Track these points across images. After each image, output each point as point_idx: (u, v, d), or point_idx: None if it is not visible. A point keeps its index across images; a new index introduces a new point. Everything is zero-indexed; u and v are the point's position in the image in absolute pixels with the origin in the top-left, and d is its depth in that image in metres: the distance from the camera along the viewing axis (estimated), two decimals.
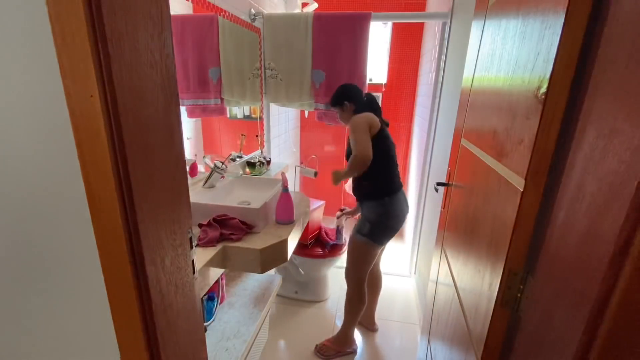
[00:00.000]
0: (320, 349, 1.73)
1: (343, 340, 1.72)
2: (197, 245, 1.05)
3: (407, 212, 1.62)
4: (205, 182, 1.44)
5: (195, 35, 1.50)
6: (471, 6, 1.25)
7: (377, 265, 1.82)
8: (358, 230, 1.57)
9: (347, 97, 1.58)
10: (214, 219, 1.15)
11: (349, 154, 1.54)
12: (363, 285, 1.64)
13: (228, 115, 1.81)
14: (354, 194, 1.65)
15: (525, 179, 0.56)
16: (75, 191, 0.50)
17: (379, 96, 2.91)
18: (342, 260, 1.95)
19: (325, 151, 3.23)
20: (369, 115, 1.49)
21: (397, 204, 1.55)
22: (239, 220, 1.17)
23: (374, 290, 1.85)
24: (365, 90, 1.94)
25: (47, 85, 0.46)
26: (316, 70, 1.95)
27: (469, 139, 0.99)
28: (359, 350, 1.78)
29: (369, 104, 1.60)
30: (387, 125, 1.60)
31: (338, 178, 1.51)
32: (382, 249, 1.74)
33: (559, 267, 0.50)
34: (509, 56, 0.69)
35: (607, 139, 0.42)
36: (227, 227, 1.15)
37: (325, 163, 3.03)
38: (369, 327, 1.92)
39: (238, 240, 1.12)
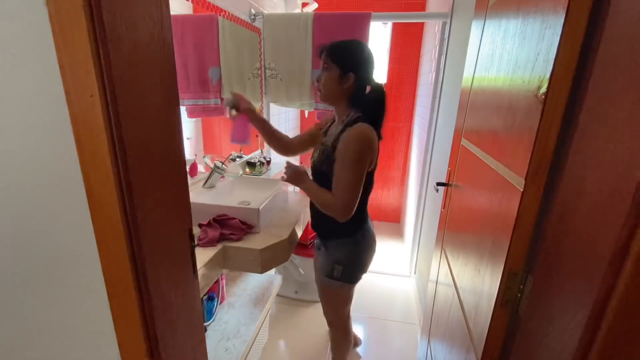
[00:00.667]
0: None
1: None
2: (197, 245, 1.05)
3: (375, 238, 1.29)
4: (205, 182, 1.44)
5: (195, 35, 1.50)
6: (471, 6, 1.25)
7: None
8: (327, 275, 1.22)
9: (360, 66, 1.07)
10: (214, 219, 1.16)
11: (321, 170, 1.11)
12: (348, 322, 1.44)
13: (228, 116, 1.81)
14: (314, 228, 1.27)
15: (525, 179, 0.56)
16: (75, 191, 0.50)
17: None
18: None
19: None
20: (376, 140, 1.06)
21: (368, 237, 1.23)
22: (239, 220, 1.17)
23: None
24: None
25: (47, 85, 0.46)
26: (316, 70, 1.94)
27: (469, 139, 0.99)
28: (359, 350, 1.78)
29: (378, 100, 1.10)
30: (381, 139, 1.13)
31: (298, 182, 1.14)
32: None
33: (559, 267, 0.50)
34: (509, 56, 0.69)
35: (607, 139, 0.42)
36: (227, 227, 1.15)
37: None
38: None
39: (238, 240, 1.12)
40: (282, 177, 1.17)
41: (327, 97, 1.12)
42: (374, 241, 1.27)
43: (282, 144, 1.34)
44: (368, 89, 1.11)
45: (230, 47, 1.64)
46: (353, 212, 1.04)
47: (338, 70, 1.06)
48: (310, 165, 1.21)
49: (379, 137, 1.09)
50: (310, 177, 1.17)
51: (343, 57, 1.06)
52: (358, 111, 1.08)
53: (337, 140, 1.06)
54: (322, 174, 1.11)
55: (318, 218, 1.20)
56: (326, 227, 1.21)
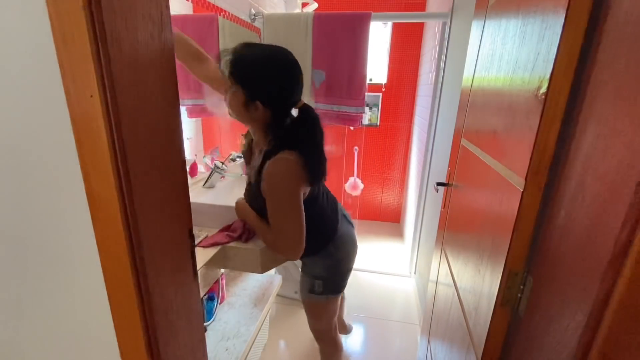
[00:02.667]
0: None
1: None
2: (198, 245, 1.05)
3: (355, 239, 1.20)
4: (206, 182, 1.44)
5: (195, 35, 1.50)
6: (471, 6, 1.25)
7: None
8: (310, 291, 1.17)
9: (269, 94, 0.86)
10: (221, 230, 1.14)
11: (251, 204, 1.02)
12: (336, 334, 1.37)
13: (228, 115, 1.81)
14: None
15: (525, 179, 0.56)
16: (75, 191, 0.50)
17: (378, 97, 2.92)
18: None
19: (324, 151, 3.23)
20: (298, 167, 0.86)
21: (344, 244, 1.14)
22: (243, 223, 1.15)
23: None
24: (366, 91, 1.92)
25: (47, 85, 0.46)
26: (316, 70, 1.94)
27: (469, 139, 0.99)
28: (359, 350, 1.78)
29: (305, 123, 0.91)
30: (319, 179, 0.96)
31: (242, 217, 1.06)
32: None
33: (559, 267, 0.50)
34: (509, 56, 0.69)
35: (607, 139, 0.42)
36: (232, 230, 1.14)
37: None
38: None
39: (247, 241, 1.12)
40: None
41: (237, 118, 0.92)
42: (353, 244, 1.18)
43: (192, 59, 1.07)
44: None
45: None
46: (302, 246, 0.93)
47: (243, 95, 0.85)
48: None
49: (315, 172, 0.89)
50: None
51: (247, 80, 0.84)
52: (278, 139, 0.89)
53: (259, 175, 0.91)
54: (257, 211, 1.01)
55: None
56: None
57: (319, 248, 1.09)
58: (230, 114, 0.94)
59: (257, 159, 0.93)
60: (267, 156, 0.88)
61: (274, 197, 0.89)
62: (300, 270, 1.22)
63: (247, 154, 1.06)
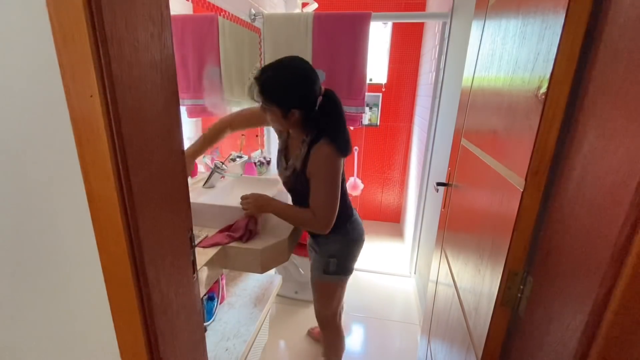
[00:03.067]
0: None
1: None
2: (198, 245, 1.05)
3: (364, 230, 1.35)
4: (206, 182, 1.44)
5: (195, 35, 1.50)
6: (471, 6, 1.25)
7: None
8: (324, 271, 1.26)
9: (299, 100, 1.02)
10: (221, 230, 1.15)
11: (294, 183, 1.16)
12: (340, 323, 1.46)
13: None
14: (308, 231, 1.34)
15: (525, 179, 0.56)
16: (75, 191, 0.50)
17: (378, 97, 2.92)
18: None
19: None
20: (338, 156, 1.07)
21: (358, 225, 1.29)
22: (244, 223, 1.16)
23: None
24: (366, 91, 1.93)
25: (47, 85, 0.46)
26: (316, 70, 1.95)
27: (469, 139, 0.99)
28: (359, 350, 1.78)
29: (329, 112, 1.06)
30: (347, 153, 1.11)
31: (265, 209, 1.15)
32: None
33: (559, 267, 0.50)
34: (509, 56, 0.69)
35: (607, 139, 0.42)
36: (233, 230, 1.14)
37: None
38: None
39: (247, 241, 1.12)
40: (245, 211, 1.16)
41: (282, 128, 1.14)
42: (363, 232, 1.31)
43: (224, 135, 1.31)
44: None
45: (230, 47, 1.64)
46: (334, 219, 1.09)
47: (279, 110, 1.02)
48: (283, 183, 1.24)
49: (345, 150, 1.08)
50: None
51: (279, 97, 1.01)
52: (314, 129, 1.08)
53: (305, 161, 1.09)
54: (298, 192, 1.18)
55: None
56: None
57: (339, 226, 1.18)
58: (274, 128, 1.19)
59: (299, 150, 1.11)
60: (311, 145, 1.07)
61: (320, 176, 1.07)
62: (315, 253, 1.30)
63: (283, 148, 1.22)
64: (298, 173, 1.12)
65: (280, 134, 1.24)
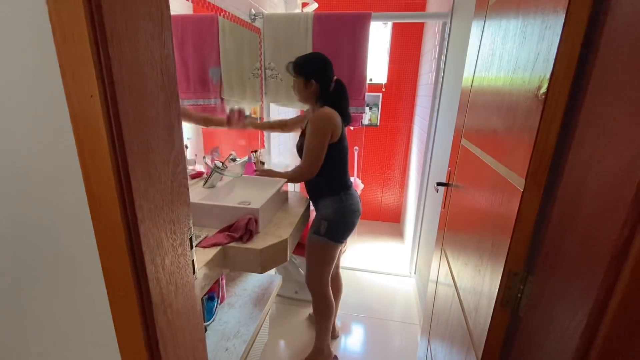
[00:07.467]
0: None
1: (319, 355, 1.63)
2: (198, 245, 1.05)
3: (361, 208, 1.55)
4: (205, 182, 1.44)
5: (195, 35, 1.50)
6: (471, 6, 1.25)
7: (337, 267, 1.74)
8: (315, 231, 1.45)
9: (317, 73, 1.39)
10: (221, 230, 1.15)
11: (300, 147, 1.47)
12: (327, 289, 1.56)
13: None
14: (307, 192, 1.57)
15: (525, 179, 0.56)
16: (75, 191, 0.50)
17: (378, 97, 2.92)
18: (342, 260, 1.94)
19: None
20: (336, 117, 1.38)
21: (352, 199, 1.48)
22: (245, 223, 1.15)
23: (335, 294, 1.73)
24: (365, 91, 1.93)
25: (47, 85, 0.46)
26: None
27: (469, 139, 0.99)
28: (359, 350, 1.78)
29: (338, 93, 1.43)
30: (348, 123, 1.48)
31: (268, 174, 1.53)
32: (343, 250, 1.72)
33: (559, 267, 0.50)
34: (509, 56, 0.69)
35: (607, 139, 0.42)
36: (233, 230, 1.14)
37: None
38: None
39: (247, 241, 1.12)
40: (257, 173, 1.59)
41: (302, 99, 1.47)
42: (358, 205, 1.51)
43: (282, 129, 1.78)
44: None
45: (230, 47, 1.64)
46: (316, 172, 1.39)
47: (302, 79, 1.41)
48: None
49: (347, 120, 1.47)
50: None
51: (303, 69, 1.41)
52: (325, 105, 1.41)
53: (307, 124, 1.39)
54: (302, 148, 1.47)
55: (309, 183, 1.52)
56: (315, 189, 1.51)
57: (334, 192, 1.46)
58: (298, 100, 1.50)
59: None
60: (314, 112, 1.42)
61: (310, 130, 1.36)
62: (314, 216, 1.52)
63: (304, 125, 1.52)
64: (303, 132, 1.43)
65: (301, 133, 1.54)
